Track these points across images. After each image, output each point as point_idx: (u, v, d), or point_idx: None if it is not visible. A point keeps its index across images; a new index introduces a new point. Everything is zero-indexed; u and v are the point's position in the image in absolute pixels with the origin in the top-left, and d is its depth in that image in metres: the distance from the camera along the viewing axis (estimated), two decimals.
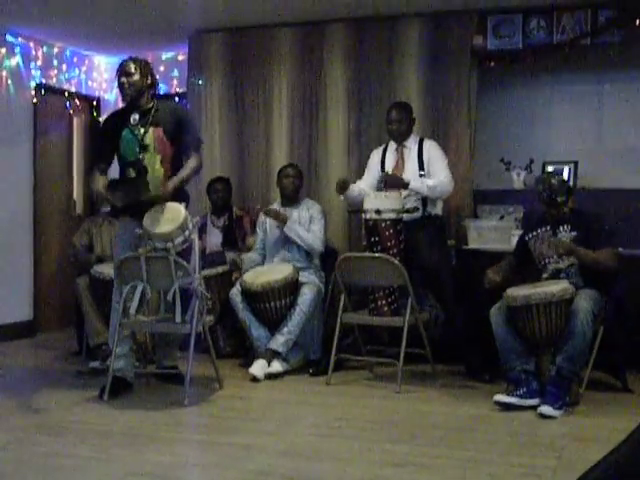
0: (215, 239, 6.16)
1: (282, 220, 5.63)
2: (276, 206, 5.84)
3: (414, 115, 5.49)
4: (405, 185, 5.16)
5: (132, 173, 4.69)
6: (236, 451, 3.67)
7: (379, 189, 5.28)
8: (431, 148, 5.37)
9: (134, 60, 4.74)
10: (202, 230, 6.01)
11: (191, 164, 4.71)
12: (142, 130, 4.67)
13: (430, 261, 5.18)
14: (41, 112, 7.10)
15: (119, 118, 4.81)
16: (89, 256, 5.85)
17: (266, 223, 5.82)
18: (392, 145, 5.46)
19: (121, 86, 4.70)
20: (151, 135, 4.67)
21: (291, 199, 5.78)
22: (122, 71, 4.70)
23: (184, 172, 4.69)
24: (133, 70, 4.68)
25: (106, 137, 4.83)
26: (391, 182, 5.18)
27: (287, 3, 5.95)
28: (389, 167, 5.39)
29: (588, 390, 4.58)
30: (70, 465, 3.47)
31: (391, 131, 5.40)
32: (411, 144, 5.38)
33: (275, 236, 5.74)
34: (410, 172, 5.29)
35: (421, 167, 5.30)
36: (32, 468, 3.43)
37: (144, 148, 4.65)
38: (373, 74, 6.20)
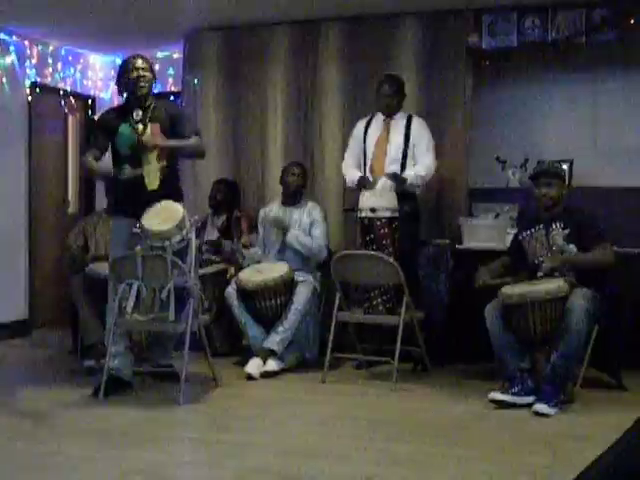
0: (211, 237, 6.16)
1: (284, 229, 5.62)
2: (276, 205, 5.82)
3: (405, 92, 5.59)
4: (404, 181, 5.20)
5: (127, 168, 4.68)
6: (231, 449, 3.67)
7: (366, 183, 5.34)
8: (419, 126, 5.46)
9: (142, 57, 4.76)
10: (202, 227, 6.03)
11: (191, 140, 4.74)
12: (141, 126, 4.68)
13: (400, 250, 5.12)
14: (36, 111, 7.08)
15: (117, 114, 4.81)
16: (85, 257, 5.81)
17: (266, 221, 5.81)
18: (379, 117, 5.54)
19: (137, 80, 4.66)
20: (150, 131, 4.68)
21: (293, 198, 5.76)
22: (134, 66, 4.68)
23: (183, 142, 4.71)
24: (145, 65, 4.71)
25: (102, 132, 4.81)
26: (397, 183, 5.20)
27: (282, 2, 5.95)
28: (373, 138, 5.47)
29: (583, 388, 4.59)
30: (65, 464, 3.47)
31: (381, 105, 5.48)
32: (399, 118, 5.48)
33: (273, 234, 5.73)
34: (394, 145, 5.39)
35: (406, 141, 5.37)
36: (27, 467, 3.43)
37: (142, 143, 4.65)
38: (368, 73, 6.17)
